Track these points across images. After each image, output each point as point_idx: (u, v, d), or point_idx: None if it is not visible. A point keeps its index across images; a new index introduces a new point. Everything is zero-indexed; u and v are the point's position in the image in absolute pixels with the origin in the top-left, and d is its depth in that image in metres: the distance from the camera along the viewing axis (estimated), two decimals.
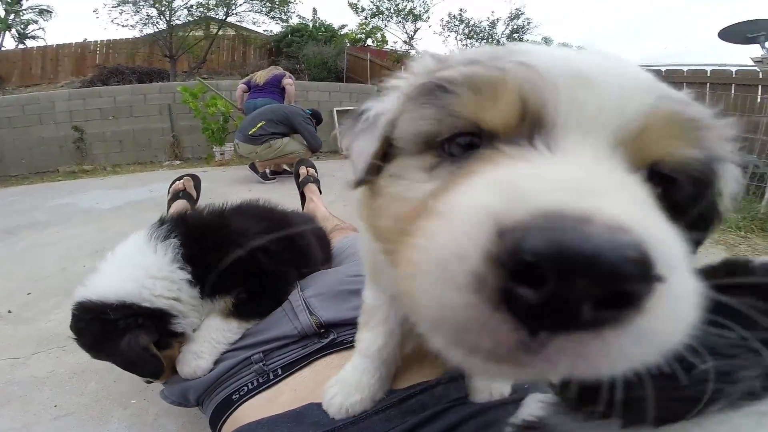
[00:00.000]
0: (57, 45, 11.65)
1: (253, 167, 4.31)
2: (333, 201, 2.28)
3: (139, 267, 0.86)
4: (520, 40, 11.19)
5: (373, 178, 0.37)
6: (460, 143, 0.31)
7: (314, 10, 13.35)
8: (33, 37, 11.59)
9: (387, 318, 0.64)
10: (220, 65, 12.32)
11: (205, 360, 0.87)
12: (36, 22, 11.59)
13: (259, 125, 4.05)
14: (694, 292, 0.22)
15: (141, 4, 10.50)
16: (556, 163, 0.25)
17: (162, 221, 0.95)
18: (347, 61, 10.94)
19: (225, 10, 11.16)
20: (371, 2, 11.97)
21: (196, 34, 11.39)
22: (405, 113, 0.34)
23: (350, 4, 12.26)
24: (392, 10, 11.83)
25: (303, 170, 2.52)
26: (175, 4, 10.65)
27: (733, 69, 5.15)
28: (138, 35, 11.19)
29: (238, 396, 0.81)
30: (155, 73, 10.11)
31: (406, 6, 11.69)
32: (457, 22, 11.52)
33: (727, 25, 6.73)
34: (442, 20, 11.87)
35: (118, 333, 0.80)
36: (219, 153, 5.84)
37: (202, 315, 0.92)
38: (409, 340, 0.67)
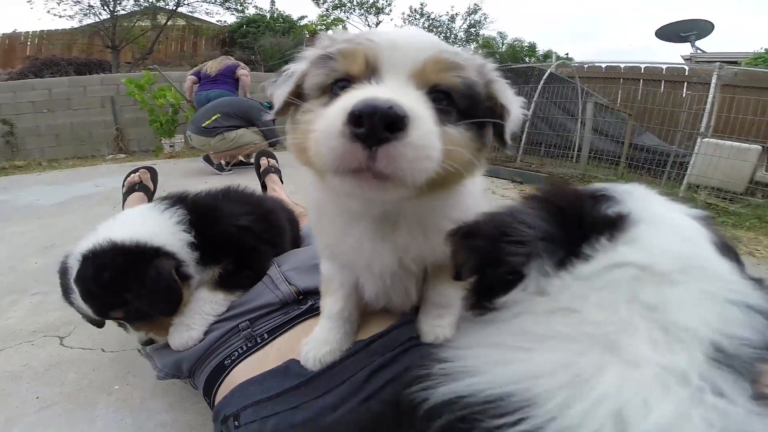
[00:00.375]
0: None
1: (207, 159, 4.18)
2: (293, 192, 2.28)
3: (149, 222, 0.97)
4: (477, 34, 11.56)
5: (290, 113, 0.58)
6: (339, 86, 0.51)
7: (272, 1, 12.99)
8: None
9: (342, 284, 0.78)
10: (168, 56, 11.64)
11: (196, 331, 0.93)
12: None
13: (213, 117, 3.92)
14: (434, 132, 0.45)
15: None
16: (376, 88, 0.47)
17: (164, 198, 1.06)
18: None
19: (176, 0, 10.57)
20: None
21: (142, 24, 10.69)
22: (310, 73, 0.55)
23: None
24: (355, 3, 11.77)
25: (264, 161, 2.51)
26: None
27: (664, 66, 5.62)
28: (77, 26, 10.35)
29: (230, 361, 0.87)
30: (95, 65, 9.42)
31: None
32: (418, 16, 11.67)
33: (663, 24, 7.38)
34: (403, 14, 11.98)
35: (144, 264, 0.87)
36: (168, 145, 5.59)
37: (196, 281, 1.00)
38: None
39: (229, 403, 0.80)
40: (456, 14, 11.61)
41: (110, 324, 1.43)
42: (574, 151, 4.56)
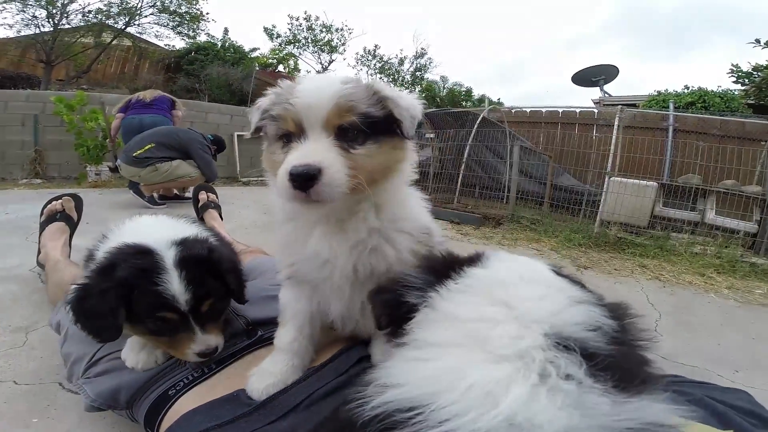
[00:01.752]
0: None
1: (137, 191, 3.91)
2: (234, 229, 2.23)
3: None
4: (422, 78, 12.33)
5: (264, 143, 0.81)
6: (285, 138, 0.73)
7: (225, 30, 13.00)
8: None
9: (295, 314, 0.86)
10: (107, 77, 11.14)
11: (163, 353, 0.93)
12: None
13: (146, 147, 3.71)
14: (337, 172, 0.67)
15: (30, 3, 9.13)
16: (303, 146, 0.69)
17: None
18: (254, 85, 10.77)
19: (127, 19, 10.26)
20: (289, 30, 12.09)
21: (85, 40, 10.22)
22: (267, 124, 0.77)
23: (265, 30, 12.22)
24: (310, 40, 12.11)
25: (203, 195, 2.42)
26: (70, 8, 9.51)
27: (578, 110, 6.24)
28: (13, 36, 9.65)
29: (174, 391, 0.86)
30: (22, 79, 8.76)
31: (324, 37, 12.07)
32: (370, 57, 12.23)
33: (577, 70, 8.32)
34: (357, 54, 12.50)
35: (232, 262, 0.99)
36: (94, 173, 5.18)
37: None
38: (321, 333, 0.91)
39: None
40: (405, 57, 12.35)
41: (21, 354, 1.34)
42: (504, 192, 4.92)
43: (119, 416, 1.05)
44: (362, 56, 12.34)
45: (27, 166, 5.54)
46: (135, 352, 0.92)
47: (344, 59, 12.80)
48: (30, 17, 9.32)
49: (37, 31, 9.45)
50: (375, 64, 12.38)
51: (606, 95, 8.38)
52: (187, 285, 0.83)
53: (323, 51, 12.26)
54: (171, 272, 0.83)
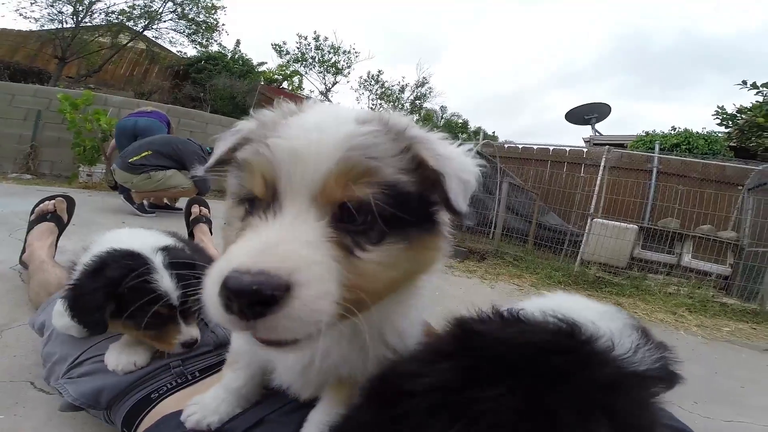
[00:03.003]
0: None
1: (128, 197, 3.91)
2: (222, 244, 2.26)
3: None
4: (421, 107, 12.62)
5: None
6: (248, 203, 0.48)
7: (237, 42, 13.33)
8: None
9: (248, 365, 0.79)
10: (116, 78, 11.33)
11: (142, 357, 0.96)
12: None
13: (143, 154, 3.74)
14: (322, 293, 0.39)
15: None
16: (268, 229, 0.42)
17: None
18: (257, 99, 10.95)
19: (146, 22, 10.56)
20: (297, 48, 12.40)
21: (102, 40, 10.49)
22: (230, 176, 0.52)
23: (274, 46, 12.53)
24: (317, 59, 12.39)
25: (195, 209, 2.43)
26: (96, 6, 9.85)
27: (567, 148, 6.40)
28: (36, 29, 9.92)
29: (157, 395, 0.89)
30: (33, 73, 8.94)
31: (331, 58, 12.36)
32: (373, 82, 12.52)
33: (571, 108, 8.48)
34: (360, 77, 12.80)
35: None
36: (86, 174, 5.20)
37: None
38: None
39: None
40: (406, 85, 12.67)
41: None
42: (491, 228, 5.00)
43: (89, 417, 1.07)
44: (365, 80, 12.62)
45: (19, 161, 5.57)
46: (115, 356, 0.98)
47: (347, 82, 13.01)
48: (57, 12, 9.62)
49: (60, 26, 9.72)
50: (377, 90, 12.65)
51: (597, 134, 8.57)
52: (177, 283, 0.93)
53: (329, 72, 12.56)
54: (162, 272, 0.93)
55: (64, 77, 9.73)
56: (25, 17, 9.60)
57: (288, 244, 0.39)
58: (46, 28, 9.84)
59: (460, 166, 0.48)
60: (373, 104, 12.57)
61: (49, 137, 5.76)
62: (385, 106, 12.48)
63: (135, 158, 3.72)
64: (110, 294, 0.89)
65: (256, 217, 0.44)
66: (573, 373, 0.44)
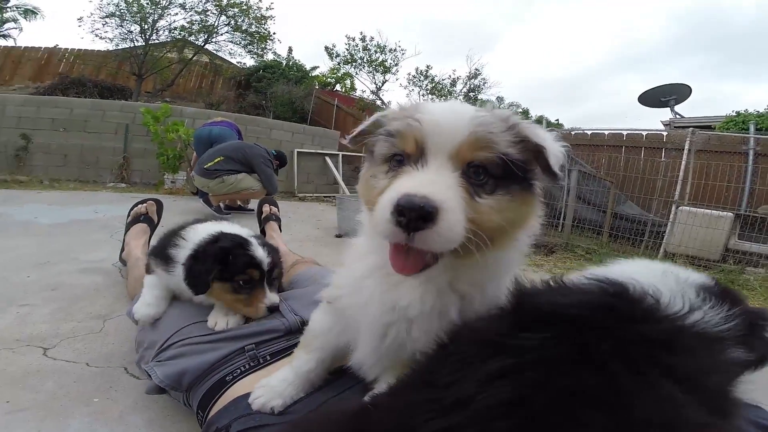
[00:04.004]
0: (25, 47, 11.30)
1: (206, 200, 4.26)
2: (289, 241, 2.38)
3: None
4: (476, 99, 12.22)
5: (363, 165, 0.73)
6: (397, 159, 0.63)
7: (290, 49, 13.91)
8: (4, 36, 11.16)
9: (322, 347, 0.85)
10: (187, 91, 12.31)
11: (233, 320, 1.15)
12: (16, 20, 11.18)
13: (216, 160, 4.06)
14: (458, 220, 0.54)
15: (127, 19, 10.54)
16: (420, 174, 0.58)
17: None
18: (314, 104, 11.27)
19: (206, 36, 11.37)
20: (346, 50, 12.61)
21: (170, 55, 11.45)
22: (376, 141, 0.66)
23: (326, 49, 12.85)
24: (365, 60, 12.50)
25: (266, 208, 2.59)
26: (159, 24, 10.78)
27: (644, 133, 5.72)
28: (112, 49, 11.09)
29: (232, 377, 0.95)
30: (117, 90, 9.95)
31: (378, 57, 12.42)
32: (422, 78, 12.36)
33: (645, 90, 7.70)
34: (409, 74, 12.66)
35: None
36: (170, 180, 5.72)
37: None
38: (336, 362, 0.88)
39: (222, 416, 0.87)
40: (458, 78, 12.33)
41: (97, 339, 1.49)
42: (559, 219, 4.70)
43: (170, 401, 1.15)
44: (414, 77, 12.47)
45: (115, 171, 6.24)
46: (214, 317, 1.15)
47: (396, 79, 12.95)
48: (126, 32, 10.69)
49: (131, 45, 10.78)
50: (427, 85, 12.45)
51: (677, 116, 7.64)
52: (267, 255, 1.17)
53: (377, 71, 12.60)
54: (256, 246, 1.18)
55: (143, 92, 10.76)
56: (101, 38, 10.76)
57: (436, 184, 0.55)
58: (120, 47, 10.96)
59: (554, 144, 0.62)
60: (424, 99, 12.37)
61: (136, 149, 6.39)
62: (437, 100, 12.20)
63: (209, 164, 4.05)
64: (219, 260, 1.13)
65: (408, 167, 0.59)
66: (616, 328, 0.48)
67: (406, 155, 0.61)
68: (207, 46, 11.76)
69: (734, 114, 7.23)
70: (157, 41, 11.05)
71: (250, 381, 0.93)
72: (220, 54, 12.45)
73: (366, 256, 0.74)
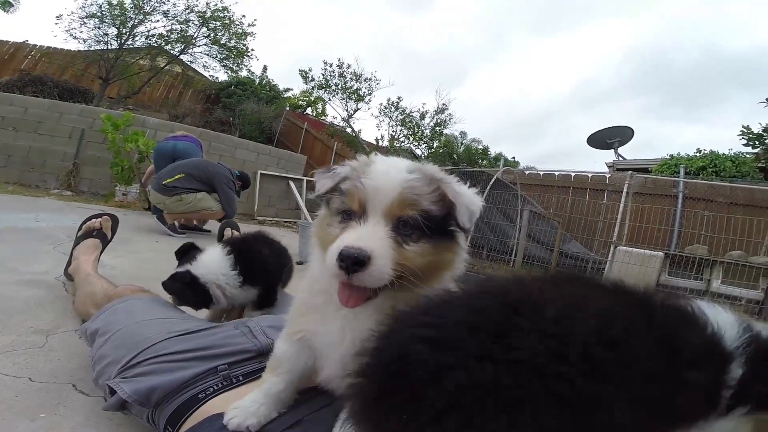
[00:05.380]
0: None
1: (160, 218, 4.06)
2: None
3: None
4: (441, 133, 12.72)
5: (321, 213, 0.85)
6: (346, 214, 0.75)
7: (264, 68, 13.89)
8: None
9: (290, 370, 0.90)
10: (152, 100, 11.96)
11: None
12: None
13: (176, 177, 3.91)
14: (385, 264, 0.68)
15: (107, 21, 10.21)
16: (360, 228, 0.72)
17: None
18: (283, 125, 11.24)
19: (182, 47, 11.14)
20: (322, 74, 12.81)
21: (142, 62, 11.10)
22: (333, 197, 0.79)
23: (301, 72, 13.00)
24: (340, 86, 12.72)
25: (228, 232, 2.55)
26: (137, 30, 10.50)
27: (589, 174, 6.26)
28: (83, 49, 10.64)
29: (204, 395, 0.97)
30: (79, 92, 9.53)
31: (353, 85, 12.69)
32: (393, 109, 12.75)
33: (593, 132, 8.21)
34: (381, 104, 13.00)
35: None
36: (122, 193, 5.43)
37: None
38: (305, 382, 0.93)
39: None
40: (426, 112, 12.81)
41: (40, 354, 1.43)
42: (512, 255, 4.95)
43: (123, 418, 1.13)
44: (386, 107, 12.83)
45: (62, 178, 5.86)
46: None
47: (368, 108, 13.27)
48: (102, 34, 10.32)
49: (105, 47, 10.38)
50: (397, 116, 12.81)
51: (620, 158, 8.36)
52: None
53: (350, 99, 12.85)
54: None
55: (106, 97, 10.33)
56: (75, 38, 10.35)
57: (370, 237, 0.70)
58: (92, 48, 10.55)
59: (468, 200, 0.75)
60: (393, 131, 12.76)
61: (89, 155, 6.07)
62: (405, 132, 12.66)
63: (168, 180, 3.89)
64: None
65: (353, 222, 0.74)
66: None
67: (352, 211, 0.75)
68: (181, 57, 11.54)
69: (668, 157, 7.78)
70: (132, 46, 10.75)
71: (222, 400, 0.95)
72: (194, 65, 12.24)
73: (319, 290, 0.84)
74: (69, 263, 2.00)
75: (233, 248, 1.54)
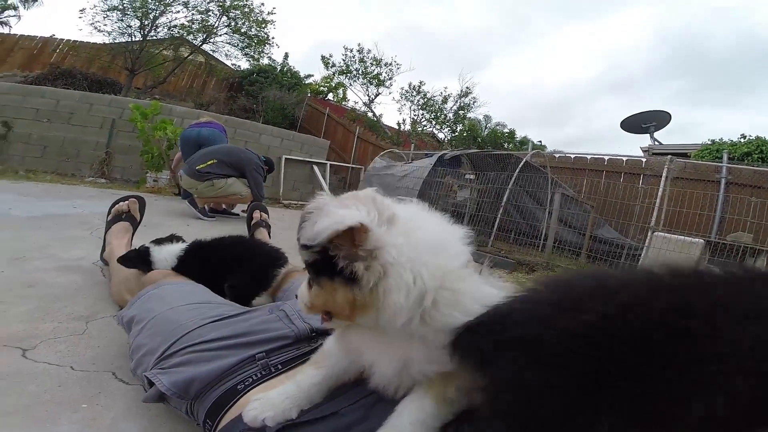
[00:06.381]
0: (20, 35, 11.08)
1: (192, 201, 4.14)
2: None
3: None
4: (464, 117, 12.45)
5: None
6: None
7: (286, 55, 13.89)
8: (2, 23, 10.99)
9: (333, 366, 0.82)
10: (177, 89, 12.17)
11: None
12: (16, 8, 11.01)
13: (209, 162, 3.98)
14: (303, 304, 0.73)
15: (129, 13, 10.41)
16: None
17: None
18: (305, 111, 11.24)
19: (204, 36, 11.27)
20: (343, 60, 12.71)
21: (165, 53, 11.30)
22: None
23: (323, 58, 12.93)
24: (361, 71, 12.62)
25: (257, 214, 2.57)
26: (159, 21, 10.68)
27: (624, 158, 5.96)
28: (108, 42, 10.91)
29: (243, 386, 0.92)
30: (108, 84, 9.77)
31: (374, 70, 12.56)
32: (414, 93, 12.53)
33: (627, 115, 7.77)
34: (402, 89, 12.82)
35: None
36: (153, 179, 5.59)
37: None
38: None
39: (236, 426, 0.83)
40: (449, 95, 12.54)
41: (81, 341, 1.43)
42: (540, 239, 4.81)
43: (164, 409, 1.10)
44: (407, 91, 12.61)
45: (95, 166, 6.08)
46: None
47: (389, 93, 13.12)
48: (125, 26, 10.57)
49: (129, 39, 10.64)
50: (418, 101, 12.59)
51: (656, 143, 7.96)
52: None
53: (371, 84, 12.71)
54: None
55: (133, 88, 10.58)
56: (99, 30, 10.63)
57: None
58: (117, 41, 10.79)
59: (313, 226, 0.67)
60: (414, 115, 12.55)
61: (120, 145, 6.26)
62: (427, 116, 12.44)
63: (201, 166, 3.97)
64: None
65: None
66: None
67: None
68: (204, 46, 11.67)
69: (709, 142, 7.50)
70: (155, 38, 10.93)
71: (262, 390, 0.90)
72: (216, 55, 12.36)
73: None
74: (104, 248, 2.02)
75: (190, 250, 1.56)
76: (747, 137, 7.19)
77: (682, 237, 4.05)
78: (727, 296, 0.40)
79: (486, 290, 0.67)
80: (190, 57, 11.72)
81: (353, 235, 0.58)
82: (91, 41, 11.15)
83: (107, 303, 1.72)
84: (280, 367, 0.97)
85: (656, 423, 0.37)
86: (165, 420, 1.10)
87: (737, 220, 4.47)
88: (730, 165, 5.22)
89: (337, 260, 0.61)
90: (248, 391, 0.91)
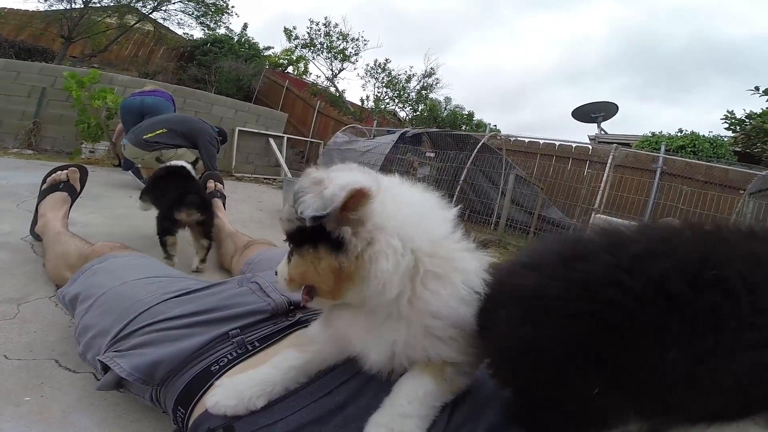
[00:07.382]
0: None
1: (136, 172, 3.88)
2: (232, 222, 2.23)
3: None
4: (427, 97, 12.47)
5: None
6: None
7: (245, 25, 13.11)
8: None
9: (320, 351, 0.74)
10: (120, 58, 11.23)
11: None
12: None
13: (158, 131, 3.68)
14: (281, 279, 0.70)
15: None
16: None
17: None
18: (262, 83, 10.80)
19: (155, 4, 10.38)
20: (307, 33, 12.23)
21: (109, 20, 10.34)
22: None
23: (286, 30, 12.36)
24: (326, 46, 12.23)
25: (211, 184, 2.42)
26: None
27: (573, 145, 6.40)
28: (45, 9, 9.83)
29: (218, 367, 0.81)
30: (38, 52, 8.89)
31: (340, 45, 12.21)
32: (379, 70, 12.35)
33: (578, 105, 8.28)
34: (367, 65, 12.59)
35: None
36: (89, 150, 5.19)
37: None
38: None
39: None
40: (413, 74, 12.46)
41: (13, 326, 1.28)
42: (493, 217, 5.02)
43: (120, 397, 1.01)
44: (372, 68, 12.40)
45: (21, 137, 5.52)
46: None
47: (354, 69, 12.82)
48: None
49: (68, 6, 9.61)
50: (383, 78, 12.42)
51: (602, 132, 8.51)
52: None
53: (336, 59, 12.38)
54: None
55: (68, 56, 9.64)
56: None
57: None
58: (54, 8, 9.72)
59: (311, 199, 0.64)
60: (378, 92, 12.37)
61: (51, 114, 5.72)
62: (390, 94, 12.30)
63: (149, 135, 3.66)
64: None
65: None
66: None
67: None
68: (154, 14, 10.74)
69: (650, 134, 8.07)
70: (98, 4, 9.96)
71: (240, 371, 0.79)
72: (166, 23, 11.43)
73: None
74: (35, 221, 1.83)
75: (154, 176, 2.03)
76: (683, 131, 7.84)
77: (620, 220, 4.34)
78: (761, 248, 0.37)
79: (473, 263, 0.63)
80: (137, 25, 10.77)
81: (347, 202, 0.54)
82: (24, 8, 10.14)
83: (41, 282, 1.56)
84: (257, 344, 0.86)
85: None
86: (125, 409, 0.99)
87: (669, 206, 4.87)
88: (666, 156, 5.67)
89: (325, 224, 0.56)
90: (224, 372, 0.80)
